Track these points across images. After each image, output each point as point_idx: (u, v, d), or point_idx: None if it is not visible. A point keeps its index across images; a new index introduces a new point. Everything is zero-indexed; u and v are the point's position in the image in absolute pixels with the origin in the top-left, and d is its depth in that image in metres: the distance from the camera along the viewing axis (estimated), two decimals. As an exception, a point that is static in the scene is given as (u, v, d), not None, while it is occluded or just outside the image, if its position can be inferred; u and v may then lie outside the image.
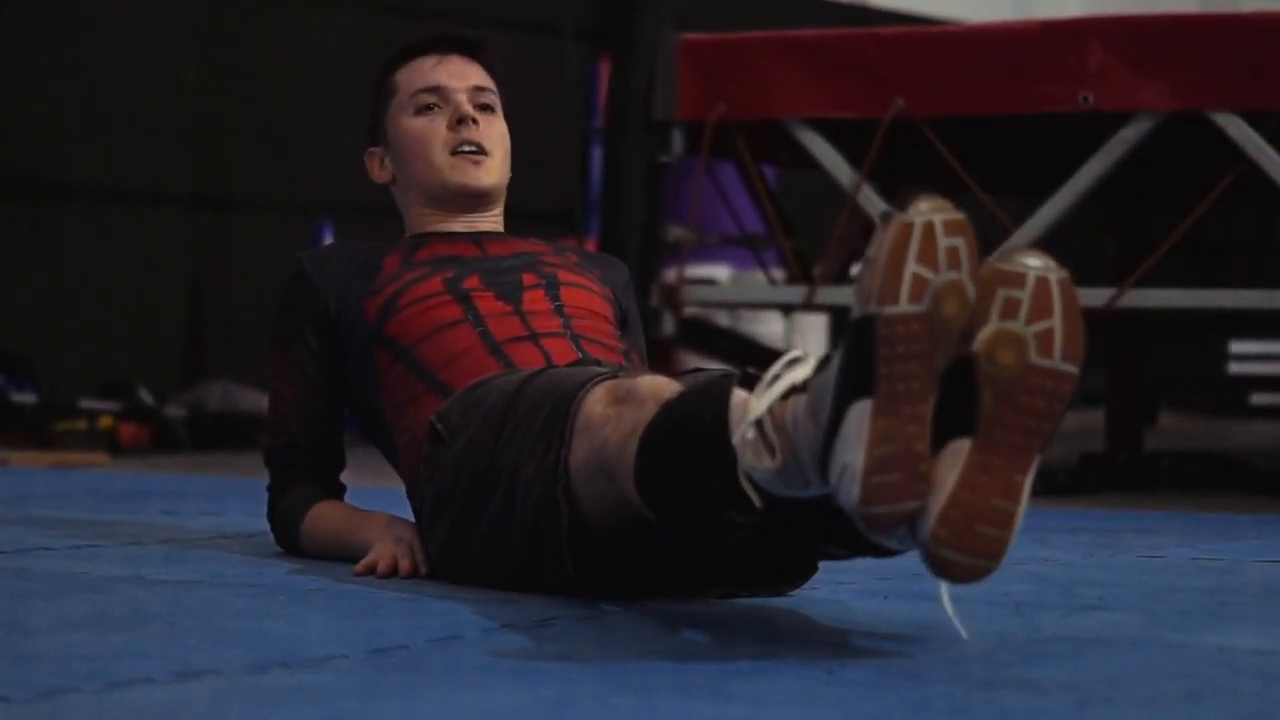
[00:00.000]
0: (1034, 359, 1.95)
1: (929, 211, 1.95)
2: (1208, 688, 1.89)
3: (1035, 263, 1.97)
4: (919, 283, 1.94)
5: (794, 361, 2.07)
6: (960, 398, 1.95)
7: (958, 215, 1.96)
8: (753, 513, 2.10)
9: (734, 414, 2.06)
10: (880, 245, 1.95)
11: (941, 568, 1.95)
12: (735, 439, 2.05)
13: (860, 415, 1.94)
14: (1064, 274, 1.97)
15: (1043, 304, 1.96)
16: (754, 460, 2.04)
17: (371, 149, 3.00)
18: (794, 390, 2.04)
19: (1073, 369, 1.96)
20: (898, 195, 1.98)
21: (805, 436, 2.00)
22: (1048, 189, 4.54)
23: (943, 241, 1.95)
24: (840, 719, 1.72)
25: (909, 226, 1.94)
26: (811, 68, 4.63)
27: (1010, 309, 1.95)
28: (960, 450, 1.95)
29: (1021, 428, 1.94)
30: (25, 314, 6.50)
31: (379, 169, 2.99)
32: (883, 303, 1.94)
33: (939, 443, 1.96)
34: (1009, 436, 1.94)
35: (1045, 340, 1.95)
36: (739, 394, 2.07)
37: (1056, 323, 1.96)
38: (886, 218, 1.96)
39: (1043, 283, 1.96)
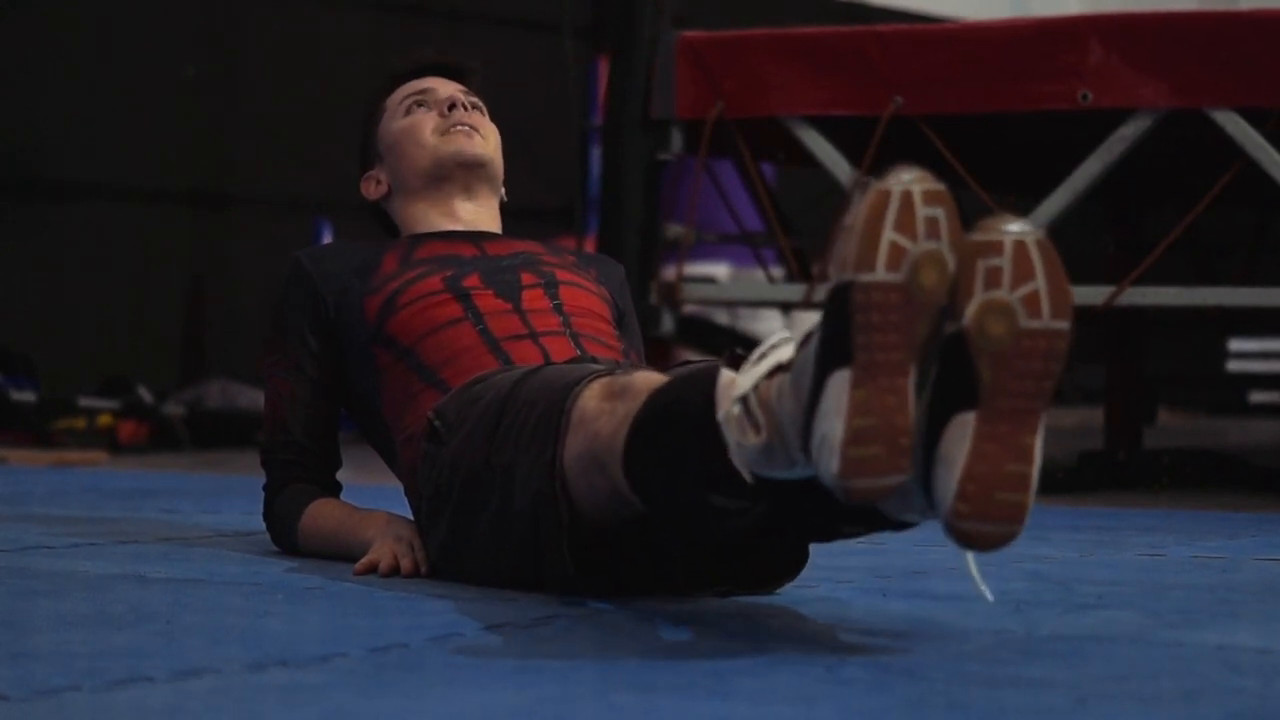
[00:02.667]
0: (1024, 323, 1.95)
1: (908, 181, 1.95)
2: (1207, 685, 1.89)
3: (1011, 228, 1.97)
4: (896, 251, 1.93)
5: (780, 342, 2.07)
6: (958, 372, 1.95)
7: (937, 185, 1.96)
8: (739, 496, 2.10)
9: (720, 393, 2.06)
10: (857, 213, 1.94)
11: (967, 539, 1.95)
12: (720, 415, 2.05)
13: (839, 386, 1.93)
14: (1040, 233, 1.97)
15: (1024, 267, 1.96)
16: (739, 438, 2.04)
17: (366, 174, 3.01)
18: (780, 368, 2.04)
19: (1063, 325, 1.96)
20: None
21: (788, 411, 1.99)
22: (1046, 187, 4.54)
23: (921, 211, 1.94)
24: (839, 716, 1.72)
25: (886, 194, 1.94)
26: (810, 65, 4.63)
27: (993, 278, 1.95)
28: (966, 423, 1.95)
29: (1022, 392, 1.95)
30: (24, 312, 6.50)
31: (374, 187, 2.99)
32: (858, 270, 1.93)
33: (943, 420, 1.96)
34: (1011, 403, 1.95)
35: (1032, 303, 1.96)
36: (726, 374, 2.07)
37: (1040, 283, 1.96)
38: (864, 186, 1.96)
39: (1020, 245, 1.96)
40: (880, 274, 1.93)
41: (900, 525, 2.11)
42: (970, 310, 1.95)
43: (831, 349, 1.94)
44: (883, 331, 1.93)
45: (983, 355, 1.95)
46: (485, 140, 2.95)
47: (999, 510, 1.94)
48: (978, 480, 1.94)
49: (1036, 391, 1.95)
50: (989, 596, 2.11)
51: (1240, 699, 1.83)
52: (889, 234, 1.93)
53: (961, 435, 1.95)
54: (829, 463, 1.93)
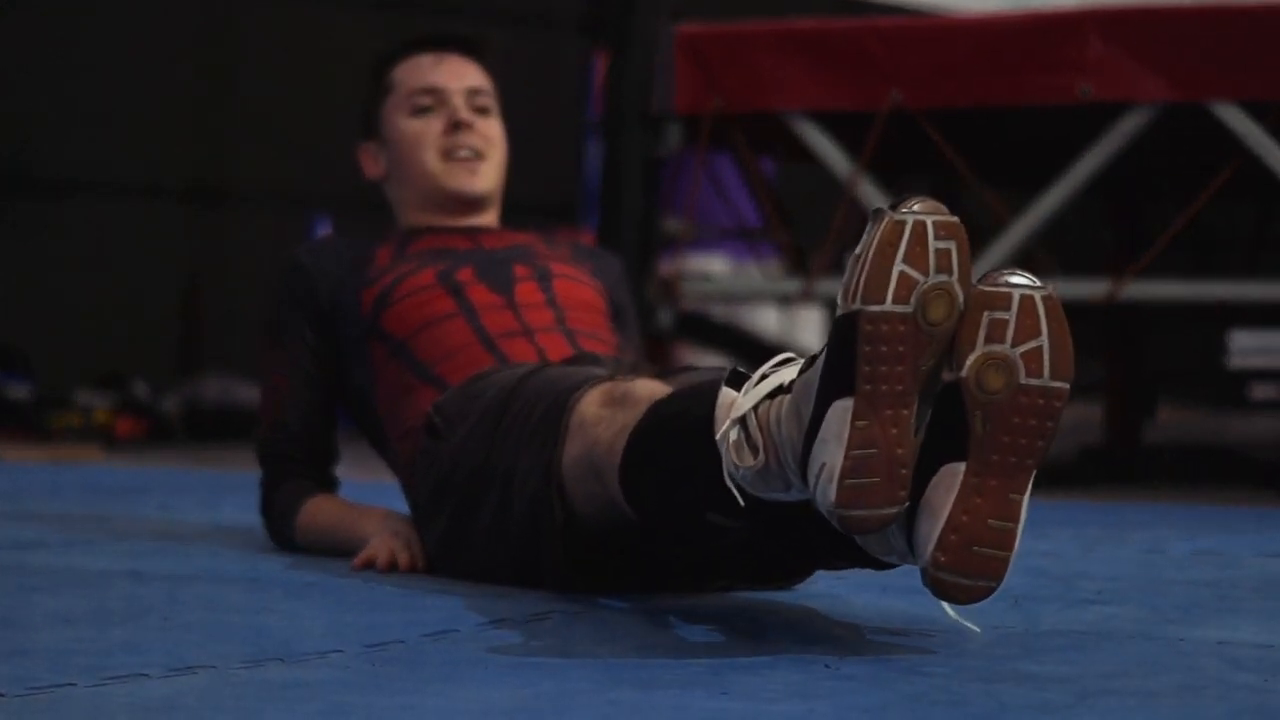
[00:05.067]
0: (1023, 380, 1.92)
1: (921, 212, 1.92)
2: (1207, 681, 1.89)
3: (1019, 281, 1.94)
4: (906, 282, 1.91)
5: (783, 362, 2.05)
6: (951, 422, 1.93)
7: (951, 218, 1.93)
8: (735, 515, 2.08)
9: (720, 413, 2.04)
10: (869, 242, 1.92)
11: (943, 590, 1.94)
12: (718, 435, 2.03)
13: (841, 415, 1.91)
14: (1049, 290, 1.94)
15: (1029, 324, 1.93)
16: (736, 459, 2.01)
17: (365, 144, 3.00)
18: (780, 390, 2.02)
19: (1063, 385, 1.93)
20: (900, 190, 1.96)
21: (788, 436, 1.98)
22: (1046, 181, 4.53)
23: (934, 244, 1.92)
24: (838, 712, 1.71)
25: (900, 225, 1.91)
26: (809, 59, 4.62)
27: (996, 331, 1.93)
28: (954, 474, 1.92)
29: (1014, 448, 1.92)
30: (20, 308, 6.50)
31: (372, 164, 3.00)
32: (867, 300, 1.91)
33: (932, 468, 1.94)
34: (1002, 458, 1.92)
35: (1033, 360, 1.93)
36: (727, 393, 2.05)
37: (1044, 341, 1.93)
38: (878, 214, 1.93)
39: (1028, 301, 1.93)
40: (889, 305, 1.90)
41: (882, 565, 2.10)
42: (970, 362, 1.92)
43: (835, 377, 1.92)
44: (888, 363, 1.91)
45: (977, 408, 1.93)
46: (488, 165, 2.94)
47: (977, 564, 1.92)
48: (959, 532, 1.92)
49: (1029, 449, 1.93)
50: (976, 629, 2.10)
51: (1240, 695, 1.83)
52: (899, 265, 1.91)
53: (949, 485, 1.93)
54: (826, 491, 1.92)
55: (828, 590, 2.49)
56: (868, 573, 2.64)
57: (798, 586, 2.48)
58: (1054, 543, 3.15)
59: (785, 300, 5.61)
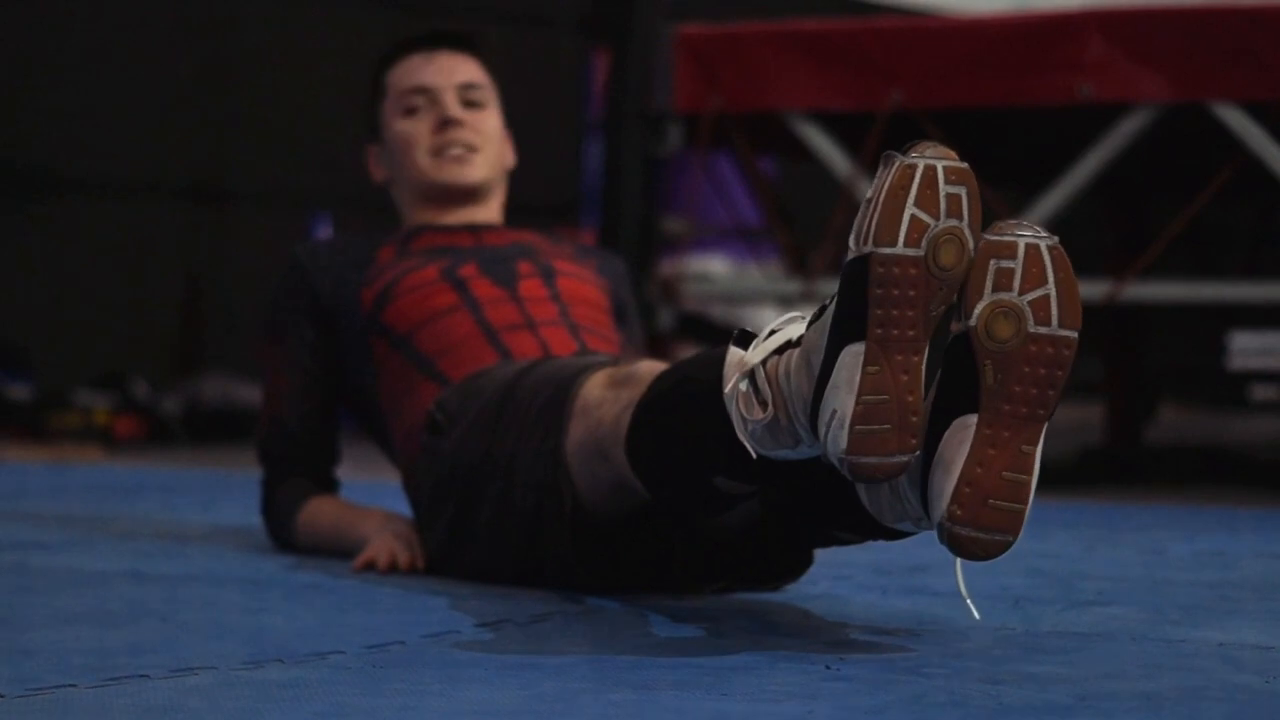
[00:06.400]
0: (1032, 328, 1.93)
1: (933, 156, 1.92)
2: (1207, 682, 1.89)
3: (1025, 232, 1.95)
4: (917, 226, 1.91)
5: (791, 319, 2.05)
6: (962, 374, 1.94)
7: (961, 164, 1.93)
8: (743, 478, 2.08)
9: (728, 370, 2.04)
10: (880, 186, 1.92)
11: (960, 546, 1.93)
12: (727, 390, 2.03)
13: (852, 360, 1.91)
14: (1054, 240, 1.95)
15: (1036, 272, 1.94)
16: (745, 413, 2.02)
17: (372, 146, 3.00)
18: (789, 345, 2.02)
19: (1071, 334, 1.94)
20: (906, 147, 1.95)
21: (797, 388, 1.98)
22: (1046, 181, 4.53)
23: (944, 188, 1.92)
24: (839, 713, 1.71)
25: (911, 169, 1.91)
26: (809, 60, 4.62)
27: (1004, 280, 1.94)
28: (967, 426, 1.93)
29: (1025, 398, 1.93)
30: (20, 307, 6.49)
31: (377, 168, 3.00)
32: (879, 243, 1.91)
33: (945, 422, 1.94)
34: (1014, 408, 1.93)
35: (1041, 308, 1.94)
36: (734, 352, 2.05)
37: (1051, 289, 1.94)
38: (889, 159, 1.93)
39: (1033, 250, 1.94)
40: (900, 248, 1.91)
41: (894, 534, 2.09)
42: (978, 310, 1.93)
43: (846, 322, 1.93)
44: (899, 306, 1.91)
45: (988, 357, 1.93)
46: (481, 156, 2.93)
47: (993, 517, 1.92)
48: (974, 485, 1.92)
49: (1040, 399, 1.93)
50: (976, 615, 2.10)
51: (1241, 695, 1.83)
52: (910, 208, 1.91)
53: (962, 439, 1.93)
54: (838, 438, 1.92)
55: (828, 590, 2.49)
56: (868, 573, 2.64)
57: (797, 587, 2.47)
58: (1054, 543, 3.15)
59: (785, 300, 5.61)
